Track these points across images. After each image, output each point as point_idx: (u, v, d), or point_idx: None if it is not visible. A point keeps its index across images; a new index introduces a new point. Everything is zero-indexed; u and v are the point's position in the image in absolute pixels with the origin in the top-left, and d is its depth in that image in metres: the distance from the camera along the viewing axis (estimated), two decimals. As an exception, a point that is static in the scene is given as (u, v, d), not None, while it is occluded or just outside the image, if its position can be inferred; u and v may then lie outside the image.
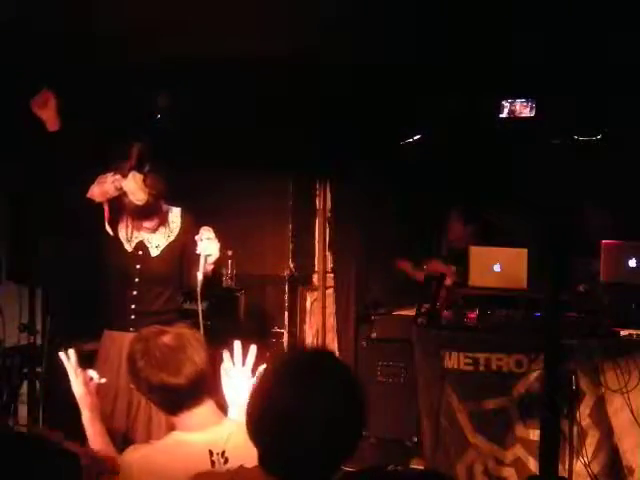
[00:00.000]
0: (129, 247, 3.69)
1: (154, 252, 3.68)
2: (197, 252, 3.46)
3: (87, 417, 2.47)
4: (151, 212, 3.57)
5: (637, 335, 4.56)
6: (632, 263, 4.96)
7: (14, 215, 5.25)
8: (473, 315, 4.95)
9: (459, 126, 5.79)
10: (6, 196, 5.36)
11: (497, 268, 5.12)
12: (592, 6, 4.63)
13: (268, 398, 1.60)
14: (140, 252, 3.68)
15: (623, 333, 4.58)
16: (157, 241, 3.69)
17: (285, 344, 6.12)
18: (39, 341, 5.34)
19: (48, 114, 3.60)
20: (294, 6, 4.54)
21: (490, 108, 5.82)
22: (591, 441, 4.54)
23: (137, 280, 3.65)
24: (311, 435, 1.57)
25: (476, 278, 5.15)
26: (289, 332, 6.26)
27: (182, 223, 3.76)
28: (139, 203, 3.48)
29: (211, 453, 2.11)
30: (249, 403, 1.65)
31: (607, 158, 5.68)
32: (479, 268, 5.15)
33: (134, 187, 3.44)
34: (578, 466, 4.52)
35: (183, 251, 3.71)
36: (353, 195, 6.28)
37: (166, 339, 2.19)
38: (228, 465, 2.08)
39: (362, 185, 6.22)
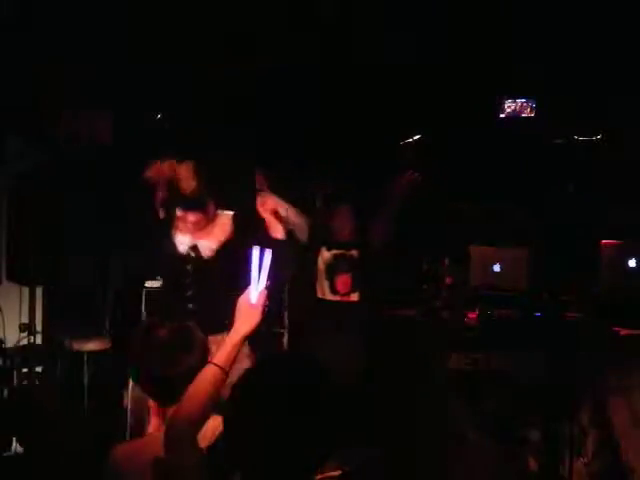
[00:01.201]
0: (183, 250, 3.68)
1: (207, 254, 3.68)
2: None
3: None
4: (198, 204, 3.55)
5: (637, 335, 4.57)
6: (632, 263, 4.96)
7: (14, 215, 5.25)
8: (473, 315, 4.96)
9: (459, 126, 5.79)
10: (6, 196, 5.37)
11: (497, 268, 5.13)
12: (592, 6, 4.64)
13: (249, 423, 1.62)
14: (193, 254, 3.67)
15: (623, 333, 4.58)
16: (209, 244, 3.68)
17: (285, 344, 6.13)
18: (39, 341, 5.35)
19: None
20: (294, 7, 4.56)
21: (490, 108, 5.82)
22: (591, 441, 4.55)
23: (189, 281, 3.63)
24: (298, 448, 1.59)
25: (476, 278, 5.15)
26: (289, 332, 6.26)
27: (234, 226, 3.75)
28: (188, 191, 3.48)
29: None
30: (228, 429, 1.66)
31: (607, 158, 5.68)
32: (479, 268, 5.15)
33: (186, 174, 3.46)
34: (578, 466, 4.53)
35: (237, 253, 3.69)
36: (353, 195, 6.27)
37: (162, 333, 2.22)
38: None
39: (361, 185, 6.21)
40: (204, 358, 2.21)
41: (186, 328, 2.27)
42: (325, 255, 5.29)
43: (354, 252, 5.23)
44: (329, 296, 5.26)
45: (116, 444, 2.25)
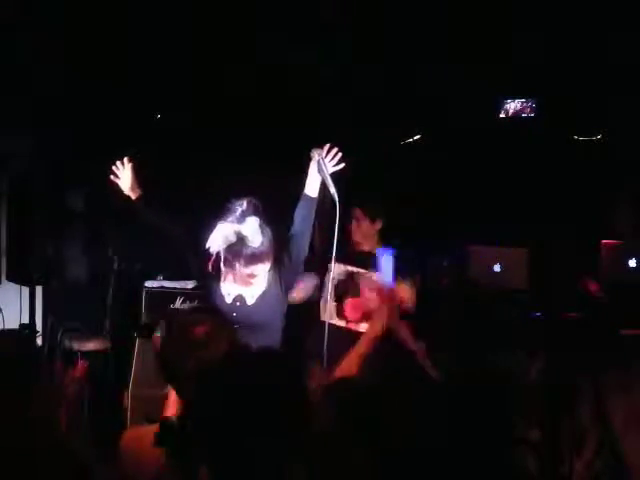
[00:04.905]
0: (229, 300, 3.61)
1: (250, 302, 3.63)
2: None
3: None
4: (264, 257, 3.58)
5: (637, 335, 4.57)
6: (632, 263, 4.96)
7: (14, 215, 5.25)
8: (473, 315, 4.95)
9: (459, 126, 5.79)
10: (6, 197, 5.37)
11: (497, 268, 5.13)
12: (592, 6, 4.64)
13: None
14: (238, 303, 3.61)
15: (623, 333, 4.58)
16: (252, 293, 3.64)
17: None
18: (39, 341, 5.35)
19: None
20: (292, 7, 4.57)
21: (490, 108, 5.82)
22: (591, 441, 4.54)
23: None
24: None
25: (476, 278, 5.15)
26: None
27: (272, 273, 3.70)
28: (254, 246, 3.50)
29: None
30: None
31: (607, 158, 5.68)
32: (479, 268, 5.15)
33: (253, 231, 3.48)
34: (578, 466, 4.53)
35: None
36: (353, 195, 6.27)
37: (191, 327, 2.27)
38: None
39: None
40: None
41: (218, 329, 2.31)
42: (336, 271, 4.26)
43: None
44: (335, 321, 4.36)
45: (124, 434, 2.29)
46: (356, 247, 4.58)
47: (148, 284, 5.23)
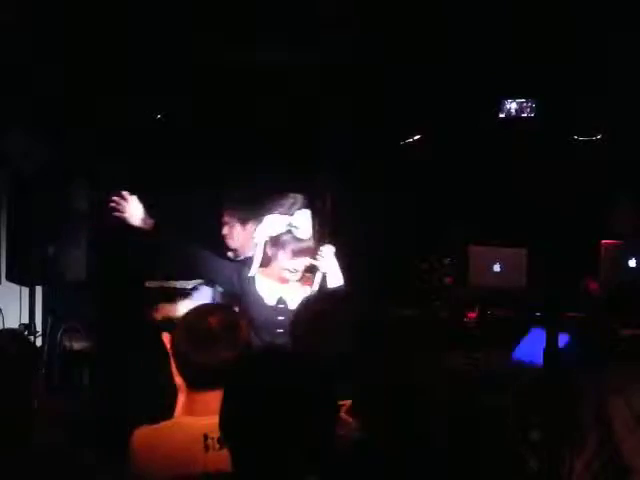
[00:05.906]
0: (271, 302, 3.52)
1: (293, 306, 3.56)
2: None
3: None
4: (310, 251, 3.49)
5: (637, 335, 4.57)
6: (632, 263, 4.96)
7: (14, 215, 5.25)
8: (473, 315, 4.96)
9: (459, 126, 5.79)
10: (6, 197, 5.37)
11: (497, 268, 5.13)
12: (592, 6, 4.65)
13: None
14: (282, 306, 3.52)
15: (623, 333, 4.58)
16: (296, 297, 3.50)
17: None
18: (39, 341, 5.35)
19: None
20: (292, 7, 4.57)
21: (490, 108, 5.83)
22: (591, 441, 4.54)
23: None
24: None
25: (476, 278, 5.15)
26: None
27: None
28: (304, 238, 3.47)
29: (205, 437, 2.14)
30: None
31: (607, 158, 5.68)
32: (479, 268, 5.15)
33: (304, 222, 3.46)
34: (578, 466, 4.52)
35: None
36: (353, 195, 6.27)
37: (209, 318, 2.24)
38: (223, 450, 2.11)
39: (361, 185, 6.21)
40: (236, 354, 2.22)
41: (234, 318, 2.30)
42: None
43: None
44: None
45: (139, 427, 2.26)
46: (236, 255, 4.12)
47: (148, 284, 5.23)
